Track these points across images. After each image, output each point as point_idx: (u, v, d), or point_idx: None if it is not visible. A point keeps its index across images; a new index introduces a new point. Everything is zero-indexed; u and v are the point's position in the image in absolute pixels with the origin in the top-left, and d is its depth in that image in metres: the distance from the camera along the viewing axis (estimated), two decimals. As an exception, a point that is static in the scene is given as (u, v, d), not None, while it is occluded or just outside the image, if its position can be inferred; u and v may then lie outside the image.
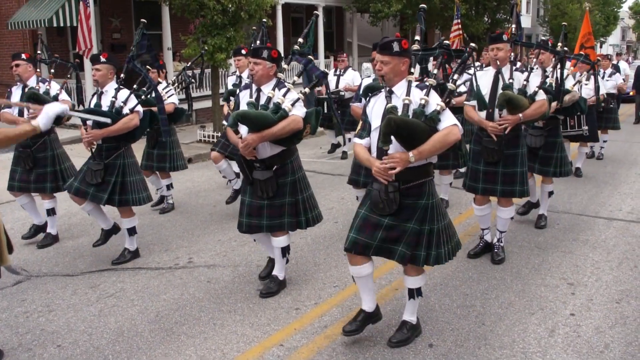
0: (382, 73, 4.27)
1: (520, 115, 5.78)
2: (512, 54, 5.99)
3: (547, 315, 5.02)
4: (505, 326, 4.84)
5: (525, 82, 5.95)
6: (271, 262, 5.71)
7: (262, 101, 5.17)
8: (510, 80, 5.85)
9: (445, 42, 5.09)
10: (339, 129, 5.64)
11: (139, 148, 8.18)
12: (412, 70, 4.37)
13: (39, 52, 7.68)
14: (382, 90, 4.43)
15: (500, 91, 5.79)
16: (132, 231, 6.48)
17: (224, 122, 7.93)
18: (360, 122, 4.54)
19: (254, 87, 5.30)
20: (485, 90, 5.93)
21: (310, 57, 5.49)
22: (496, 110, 5.86)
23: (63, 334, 4.85)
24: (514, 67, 5.95)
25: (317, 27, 22.04)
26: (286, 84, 5.23)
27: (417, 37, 4.99)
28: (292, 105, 5.08)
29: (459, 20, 16.34)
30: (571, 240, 6.89)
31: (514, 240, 6.79)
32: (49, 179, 6.91)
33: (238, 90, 5.66)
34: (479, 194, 6.15)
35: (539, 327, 4.81)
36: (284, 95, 5.11)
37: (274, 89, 5.16)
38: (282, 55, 5.56)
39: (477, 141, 6.12)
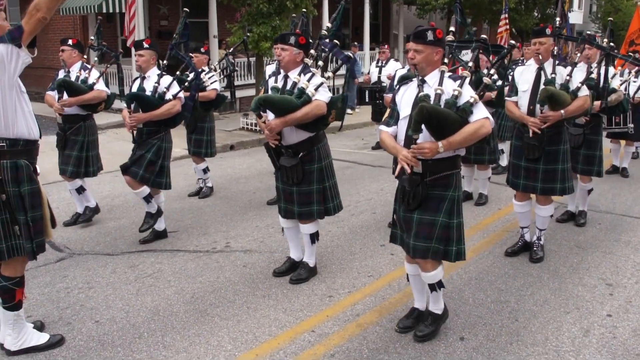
0: (414, 62, 4.19)
1: (562, 111, 5.66)
2: (560, 50, 5.87)
3: (582, 314, 4.95)
4: (539, 323, 4.79)
5: (568, 78, 5.83)
6: (289, 263, 5.75)
7: (288, 87, 5.18)
8: (553, 75, 5.74)
9: (482, 35, 5.01)
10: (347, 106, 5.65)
11: (178, 135, 8.32)
12: (446, 60, 4.32)
13: (91, 37, 7.80)
14: (413, 79, 4.39)
15: (542, 87, 5.69)
16: (148, 199, 6.55)
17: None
18: (388, 110, 4.50)
19: (282, 73, 5.31)
20: (527, 86, 5.83)
21: (335, 41, 5.47)
22: (537, 106, 5.75)
23: (101, 310, 4.98)
24: (557, 62, 5.84)
25: (363, 18, 22.11)
26: (312, 69, 5.23)
27: (452, 29, 4.92)
28: (316, 90, 5.08)
29: (507, 15, 16.12)
30: (612, 241, 6.76)
31: (553, 239, 6.69)
32: (72, 162, 6.99)
33: (267, 77, 5.69)
34: (520, 190, 6.07)
35: (573, 327, 4.74)
36: (309, 80, 5.11)
37: (299, 75, 5.17)
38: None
39: (518, 137, 6.02)
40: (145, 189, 6.42)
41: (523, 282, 5.58)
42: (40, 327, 4.57)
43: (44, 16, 3.66)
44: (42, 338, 4.37)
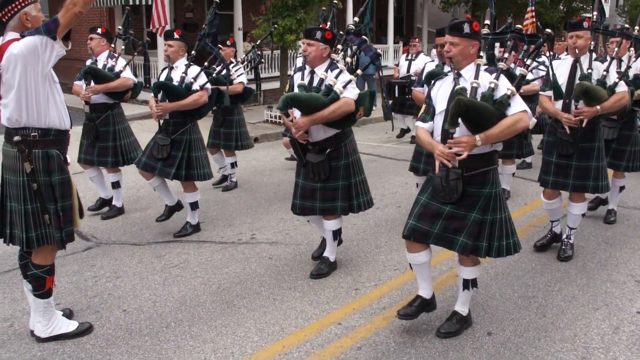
0: (450, 55, 4.16)
1: (598, 107, 5.52)
2: (592, 43, 5.77)
3: (611, 311, 4.90)
4: (567, 320, 4.75)
5: (605, 73, 5.69)
6: (324, 243, 5.73)
7: (315, 83, 5.13)
8: (589, 70, 5.61)
9: (517, 26, 4.90)
10: (387, 114, 5.58)
11: (205, 126, 8.34)
12: (482, 54, 4.26)
13: (119, 27, 7.85)
14: (448, 73, 4.35)
15: (577, 81, 5.58)
16: (194, 206, 6.62)
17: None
18: (424, 106, 4.43)
19: (307, 69, 5.26)
20: (562, 80, 5.70)
21: (364, 37, 5.39)
22: (572, 101, 5.64)
23: (128, 300, 5.02)
24: (593, 57, 5.74)
25: (387, 11, 21.98)
26: (339, 65, 5.17)
27: (487, 21, 4.83)
28: (344, 87, 5.01)
29: (533, 8, 15.92)
30: (641, 237, 6.68)
31: (580, 234, 6.60)
32: (110, 153, 7.04)
33: (292, 72, 5.65)
34: (549, 187, 5.94)
35: (602, 323, 4.70)
36: (336, 77, 5.04)
37: (326, 71, 5.11)
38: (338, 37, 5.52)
39: (551, 132, 5.91)
40: (196, 194, 6.58)
41: (550, 277, 5.53)
42: (69, 314, 4.63)
43: (80, 11, 3.73)
44: (71, 326, 4.43)
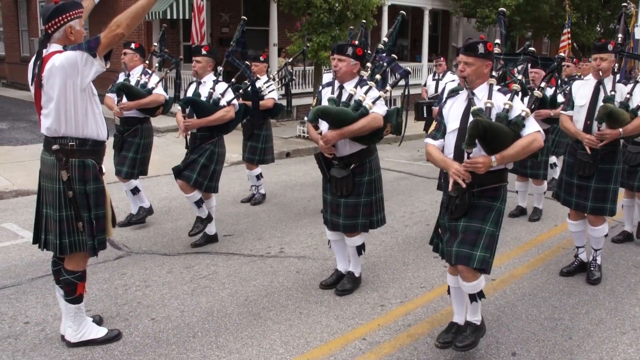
0: (464, 74, 4.20)
1: (621, 130, 5.53)
2: (625, 65, 5.75)
3: (639, 336, 4.84)
4: (593, 343, 4.71)
5: (628, 95, 5.71)
6: (336, 275, 5.72)
7: (344, 98, 5.19)
8: (612, 92, 5.62)
9: (530, 48, 4.92)
10: (399, 129, 5.62)
11: (235, 140, 8.45)
12: (494, 74, 4.30)
13: (155, 44, 7.99)
14: (460, 92, 4.39)
15: (600, 103, 5.58)
16: (199, 203, 6.58)
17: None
18: (435, 123, 4.48)
19: (337, 84, 5.32)
20: (585, 101, 5.72)
21: (393, 55, 5.46)
22: (594, 123, 5.62)
23: (157, 309, 5.11)
24: (617, 79, 5.72)
25: (422, 30, 22.04)
26: (369, 82, 5.22)
27: (497, 41, 4.85)
28: (373, 103, 5.07)
29: (569, 30, 15.82)
30: (673, 262, 6.59)
31: (610, 258, 6.55)
32: (127, 163, 7.15)
33: (320, 87, 5.72)
34: (573, 208, 5.93)
35: (629, 348, 4.65)
36: (366, 93, 5.10)
37: (355, 87, 5.17)
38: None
39: (571, 153, 5.90)
40: (197, 194, 6.51)
41: (578, 300, 5.49)
42: (99, 321, 4.73)
43: (123, 32, 3.88)
44: (101, 332, 4.53)
